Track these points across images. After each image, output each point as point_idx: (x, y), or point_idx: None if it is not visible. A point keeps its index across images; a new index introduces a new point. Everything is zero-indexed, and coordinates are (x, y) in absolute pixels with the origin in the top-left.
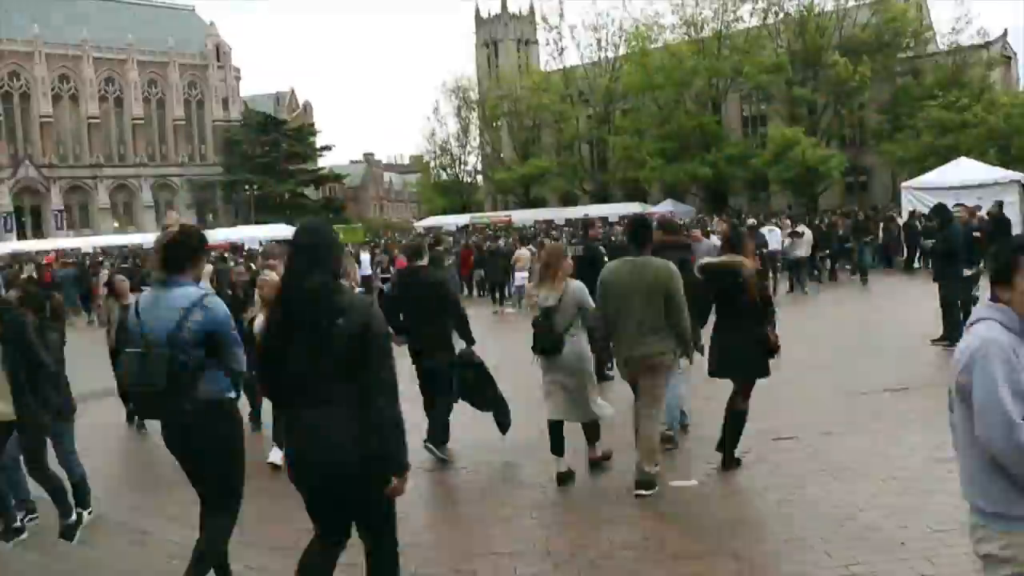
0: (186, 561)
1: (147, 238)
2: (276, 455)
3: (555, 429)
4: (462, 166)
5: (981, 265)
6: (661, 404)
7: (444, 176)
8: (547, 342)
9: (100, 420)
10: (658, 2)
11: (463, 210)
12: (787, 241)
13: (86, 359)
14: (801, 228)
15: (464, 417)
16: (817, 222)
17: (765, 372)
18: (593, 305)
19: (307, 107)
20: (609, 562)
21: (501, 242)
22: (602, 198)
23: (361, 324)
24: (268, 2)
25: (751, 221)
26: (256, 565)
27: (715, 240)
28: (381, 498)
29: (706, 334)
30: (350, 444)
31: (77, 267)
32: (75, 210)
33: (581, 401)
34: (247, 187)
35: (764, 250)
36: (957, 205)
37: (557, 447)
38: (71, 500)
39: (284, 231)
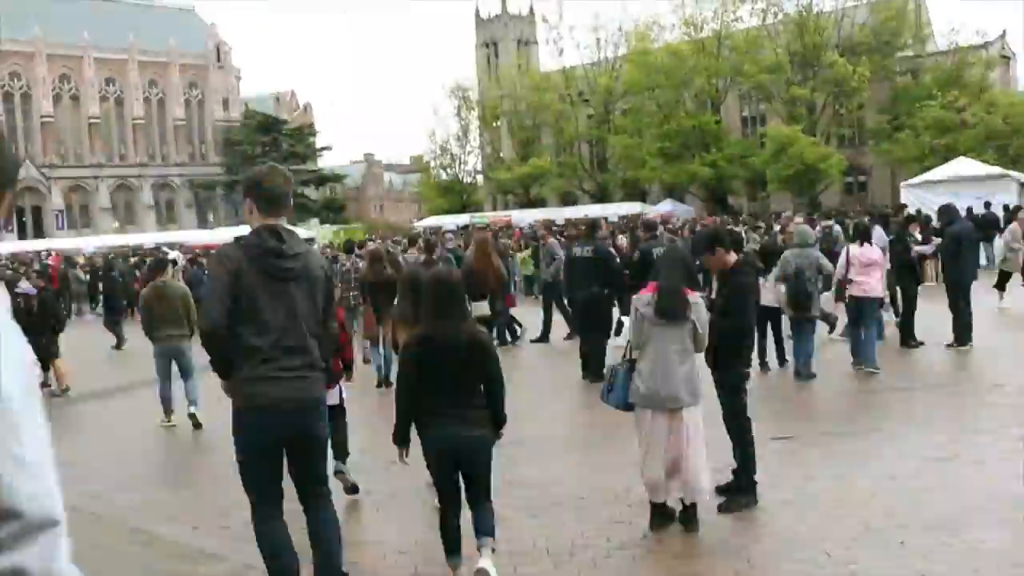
0: (186, 561)
1: (147, 238)
2: None
3: None
4: (462, 166)
5: None
6: None
7: (444, 176)
8: None
9: (101, 420)
10: (658, 2)
11: (463, 210)
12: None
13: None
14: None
15: None
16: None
17: None
18: None
19: (307, 107)
20: (609, 562)
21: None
22: (602, 198)
23: None
24: (268, 2)
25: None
26: (256, 565)
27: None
28: None
29: None
30: None
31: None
32: (76, 210)
33: None
34: None
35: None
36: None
37: None
38: None
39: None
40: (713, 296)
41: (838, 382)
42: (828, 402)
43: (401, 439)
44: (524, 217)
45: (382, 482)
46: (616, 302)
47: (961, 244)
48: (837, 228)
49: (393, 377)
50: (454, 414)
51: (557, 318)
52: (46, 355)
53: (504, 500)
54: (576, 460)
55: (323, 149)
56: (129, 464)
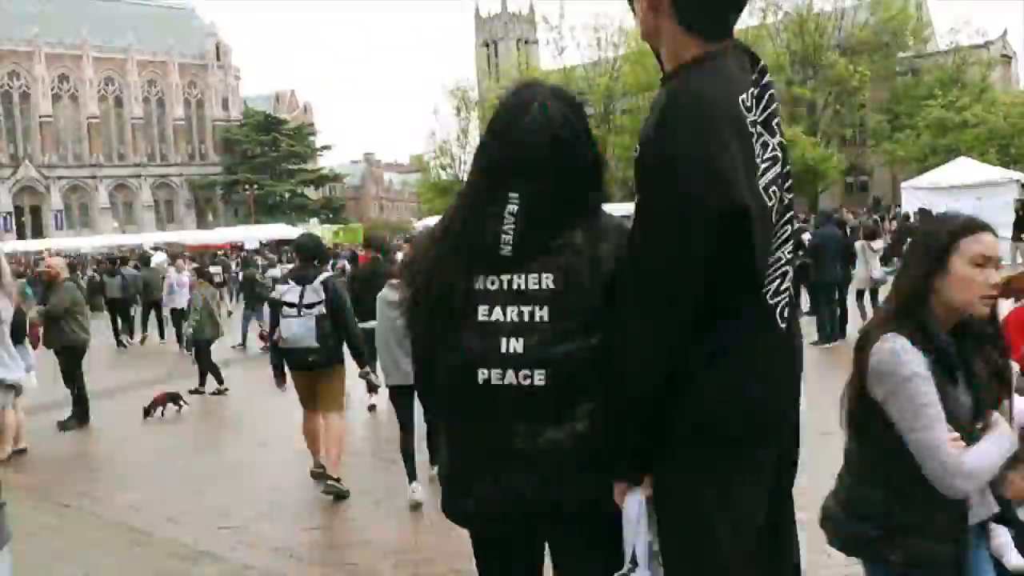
0: (186, 561)
1: (147, 238)
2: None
3: None
4: (462, 166)
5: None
6: None
7: (444, 176)
8: None
9: (98, 421)
10: None
11: None
12: None
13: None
14: None
15: None
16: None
17: None
18: None
19: (307, 107)
20: None
21: None
22: None
23: None
24: (268, 2)
25: None
26: (256, 565)
27: None
28: None
29: None
30: None
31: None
32: (75, 210)
33: None
34: (247, 187)
35: None
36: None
37: None
38: None
39: (284, 231)
40: None
41: (839, 381)
42: (828, 402)
43: None
44: None
45: (381, 482)
46: None
47: (823, 248)
48: None
49: None
50: None
51: None
52: None
53: None
54: None
55: (323, 149)
56: (128, 463)
